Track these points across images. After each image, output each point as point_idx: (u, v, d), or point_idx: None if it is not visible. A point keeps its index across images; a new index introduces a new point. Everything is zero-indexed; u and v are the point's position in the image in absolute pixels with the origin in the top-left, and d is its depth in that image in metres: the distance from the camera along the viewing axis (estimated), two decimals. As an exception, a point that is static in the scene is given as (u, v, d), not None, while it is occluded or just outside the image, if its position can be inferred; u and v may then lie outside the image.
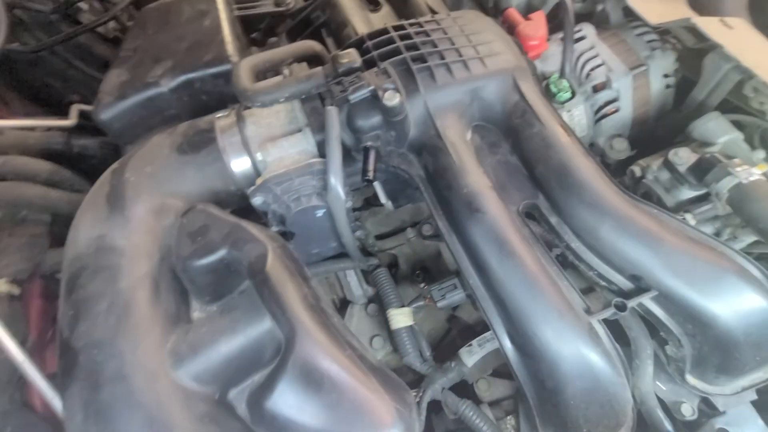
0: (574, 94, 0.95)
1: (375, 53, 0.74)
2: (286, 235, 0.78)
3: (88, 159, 1.25)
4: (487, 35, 0.78)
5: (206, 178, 0.74)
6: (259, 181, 0.71)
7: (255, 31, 1.19)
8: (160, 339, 0.60)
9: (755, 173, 0.70)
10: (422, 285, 1.18)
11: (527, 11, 0.97)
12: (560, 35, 0.98)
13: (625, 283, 0.64)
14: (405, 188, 0.89)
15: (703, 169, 0.73)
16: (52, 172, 0.98)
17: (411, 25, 0.78)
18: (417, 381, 0.94)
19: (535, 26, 0.90)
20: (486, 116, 0.78)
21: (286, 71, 0.80)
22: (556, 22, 0.97)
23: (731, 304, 0.58)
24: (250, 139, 0.76)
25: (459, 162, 0.69)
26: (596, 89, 0.95)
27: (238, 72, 0.74)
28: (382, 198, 0.87)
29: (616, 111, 0.95)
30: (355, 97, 0.68)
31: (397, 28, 0.77)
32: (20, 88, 1.29)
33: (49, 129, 1.17)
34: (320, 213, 0.74)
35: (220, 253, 0.63)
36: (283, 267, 0.59)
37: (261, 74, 0.81)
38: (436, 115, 0.73)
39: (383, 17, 0.97)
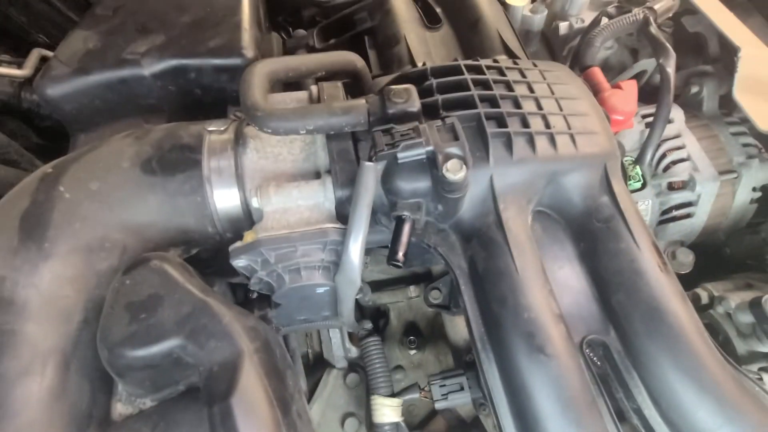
0: (644, 185, 0.79)
1: (440, 98, 0.55)
2: (269, 302, 0.58)
3: (40, 119, 1.00)
4: (582, 105, 0.60)
5: (175, 212, 0.54)
6: (248, 237, 0.51)
7: (282, 13, 0.97)
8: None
9: None
10: (413, 353, 1.01)
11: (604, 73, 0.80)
12: (645, 110, 0.82)
13: (706, 482, 0.48)
14: (424, 253, 0.70)
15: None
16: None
17: (489, 68, 0.59)
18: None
19: (626, 99, 0.73)
20: (557, 206, 0.60)
21: (313, 89, 0.60)
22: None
23: None
24: (247, 171, 0.56)
25: (522, 272, 0.51)
26: (672, 187, 0.79)
27: (249, 78, 0.53)
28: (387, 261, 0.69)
29: (688, 216, 0.80)
30: (405, 157, 0.49)
31: (471, 69, 0.58)
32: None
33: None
34: (322, 290, 0.55)
35: (169, 344, 0.43)
36: (258, 394, 0.40)
37: (278, 84, 0.61)
38: (500, 197, 0.55)
39: (443, 41, 0.78)
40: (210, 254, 0.73)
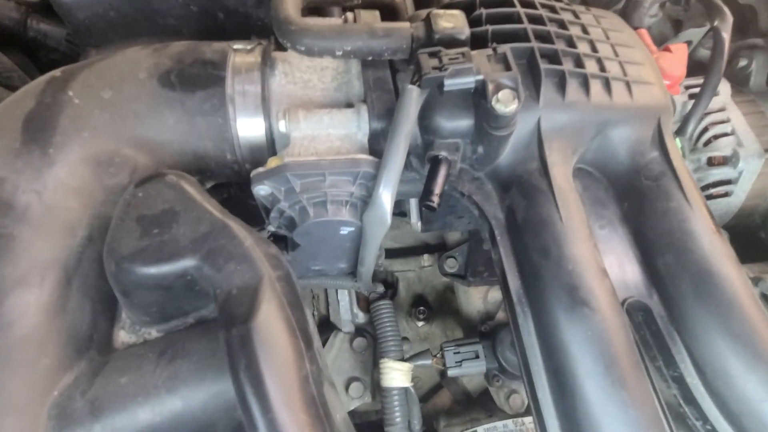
0: (683, 158, 0.75)
1: (490, 28, 0.50)
2: (284, 243, 0.54)
3: (46, 51, 0.95)
4: (637, 54, 0.56)
5: (193, 133, 0.49)
6: (272, 162, 0.46)
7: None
8: (47, 378, 0.36)
9: None
10: (420, 324, 0.98)
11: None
12: (688, 81, 0.77)
13: (747, 456, 0.45)
14: (447, 214, 0.66)
15: None
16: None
17: (543, 6, 0.55)
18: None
19: (675, 62, 0.68)
20: (601, 163, 0.56)
21: (349, 15, 0.55)
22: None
23: None
24: (274, 95, 0.51)
25: (567, 221, 0.47)
26: (712, 162, 0.75)
27: (283, -8, 0.48)
28: (413, 216, 0.65)
29: (725, 195, 0.76)
30: (452, 84, 0.44)
31: (523, 3, 0.54)
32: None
33: (6, -2, 0.86)
34: (346, 231, 0.51)
35: (184, 264, 0.38)
36: (280, 321, 0.36)
37: (308, 10, 0.56)
38: (547, 142, 0.50)
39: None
40: (222, 198, 0.68)
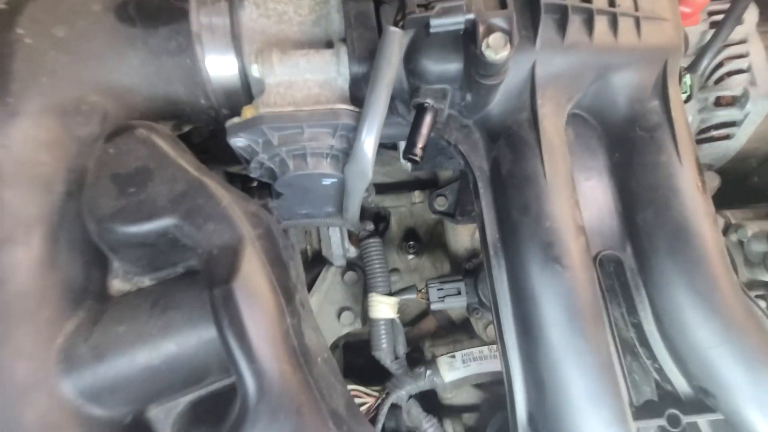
0: (690, 97, 0.71)
1: (487, -45, 0.43)
2: (269, 192, 0.54)
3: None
4: (655, -19, 0.49)
5: (162, 76, 0.46)
6: (247, 112, 0.44)
7: None
8: (47, 328, 0.39)
9: None
10: (410, 257, 1.02)
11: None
12: (713, 6, 0.69)
13: (686, 391, 0.51)
14: (437, 155, 0.65)
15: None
16: None
17: None
18: (378, 370, 0.83)
19: (700, -13, 0.61)
20: (598, 109, 0.53)
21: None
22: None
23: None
24: (245, 31, 0.46)
25: (551, 178, 0.47)
26: (720, 103, 0.71)
27: None
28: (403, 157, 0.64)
29: (726, 137, 0.73)
30: (439, 25, 0.40)
31: None
32: None
33: None
34: (328, 182, 0.50)
35: (164, 223, 0.39)
36: (260, 280, 0.38)
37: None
38: (540, 90, 0.47)
39: None
40: (204, 137, 0.66)
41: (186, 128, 0.56)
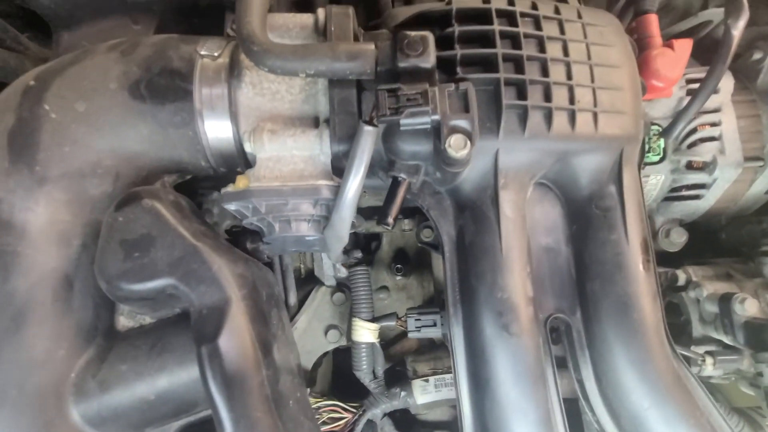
0: (663, 159, 0.75)
1: (459, 53, 0.48)
2: (261, 235, 0.61)
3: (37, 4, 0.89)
4: (618, 76, 0.53)
5: (168, 143, 0.52)
6: (240, 182, 0.50)
7: None
8: (64, 365, 0.46)
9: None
10: (398, 278, 1.08)
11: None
12: (692, 74, 0.73)
13: (619, 442, 0.57)
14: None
15: (759, 339, 0.62)
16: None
17: (524, 16, 0.51)
18: (356, 386, 0.90)
19: (673, 63, 0.65)
20: (561, 185, 0.58)
21: (320, 13, 0.53)
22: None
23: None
24: (242, 108, 0.52)
25: (507, 252, 0.52)
26: (691, 166, 0.75)
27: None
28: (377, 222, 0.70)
29: (696, 197, 0.78)
30: (408, 125, 0.45)
31: (503, 15, 0.50)
32: None
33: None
34: (311, 238, 0.57)
35: (163, 283, 0.46)
36: (242, 339, 0.45)
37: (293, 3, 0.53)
38: (502, 173, 0.53)
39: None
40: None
41: (188, 177, 0.62)
